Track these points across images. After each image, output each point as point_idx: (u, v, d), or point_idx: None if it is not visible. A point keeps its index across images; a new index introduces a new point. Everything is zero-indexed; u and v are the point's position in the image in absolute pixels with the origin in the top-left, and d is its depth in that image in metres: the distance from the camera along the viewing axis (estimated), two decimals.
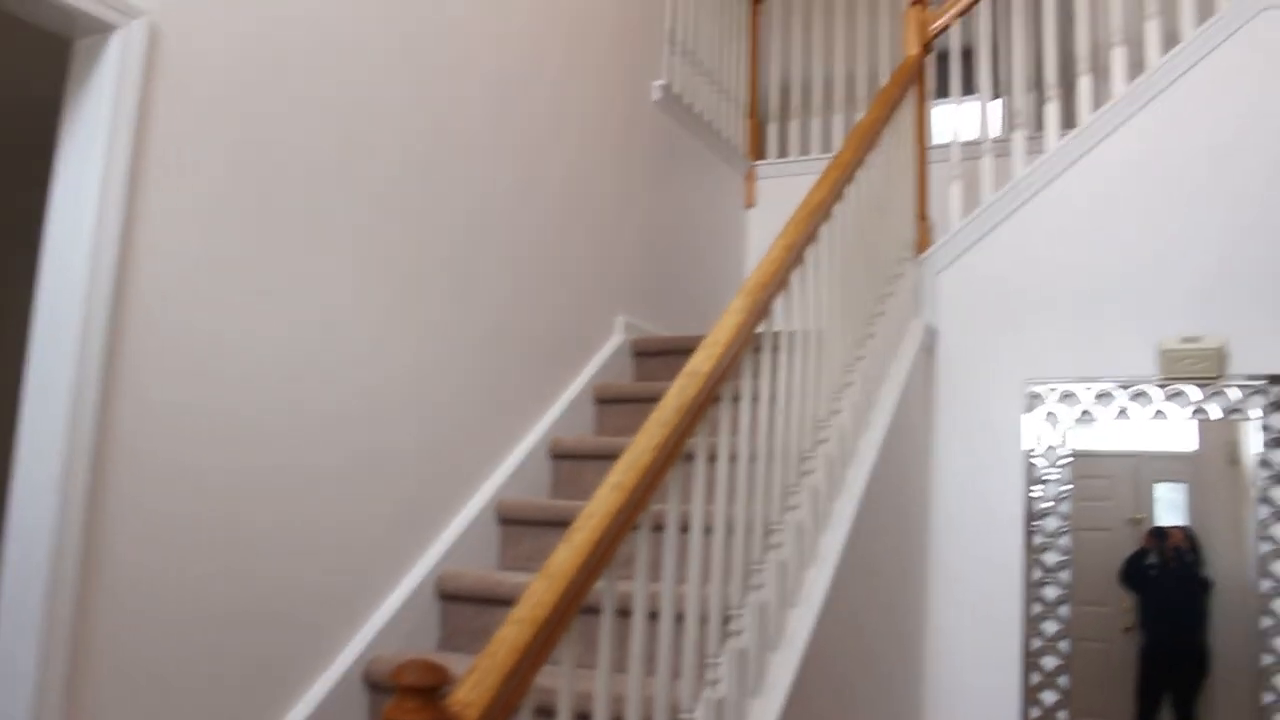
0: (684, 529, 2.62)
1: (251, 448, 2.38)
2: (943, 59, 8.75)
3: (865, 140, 2.99)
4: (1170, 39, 5.22)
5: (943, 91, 9.19)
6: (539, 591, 1.50)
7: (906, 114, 3.71)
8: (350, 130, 2.70)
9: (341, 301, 2.65)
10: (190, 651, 2.22)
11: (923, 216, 3.82)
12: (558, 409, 3.54)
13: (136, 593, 2.11)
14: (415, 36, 2.96)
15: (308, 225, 2.55)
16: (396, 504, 2.82)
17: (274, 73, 2.47)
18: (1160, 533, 3.39)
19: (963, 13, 3.86)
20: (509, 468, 3.27)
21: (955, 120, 3.92)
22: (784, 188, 5.06)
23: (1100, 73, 5.14)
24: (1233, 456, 3.34)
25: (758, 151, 5.29)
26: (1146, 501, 3.44)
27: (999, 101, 5.34)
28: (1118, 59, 3.67)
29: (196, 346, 2.25)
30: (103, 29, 2.08)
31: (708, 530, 2.44)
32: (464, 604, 2.89)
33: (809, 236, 2.52)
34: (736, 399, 2.52)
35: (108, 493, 2.05)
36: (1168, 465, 3.43)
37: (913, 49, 3.81)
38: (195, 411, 2.25)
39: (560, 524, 3.06)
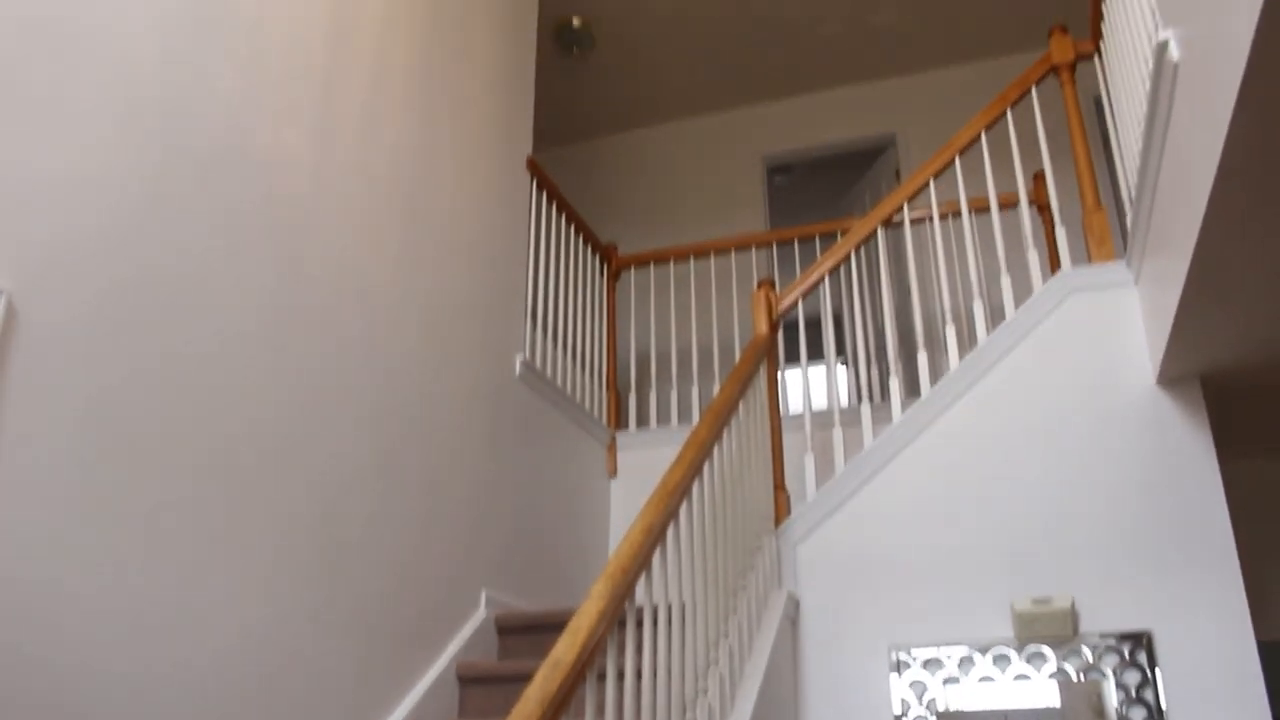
0: None
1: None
2: (791, 327, 9.24)
3: (720, 418, 3.10)
4: (997, 313, 5.65)
5: (792, 356, 9.67)
6: None
7: (760, 388, 3.88)
8: (204, 396, 2.68)
9: (186, 571, 2.55)
10: None
11: (780, 487, 3.93)
12: (420, 689, 3.41)
13: None
14: (273, 298, 3.00)
15: (155, 492, 2.49)
16: None
17: (129, 340, 2.46)
18: None
19: (807, 292, 4.11)
20: None
21: (806, 387, 4.11)
22: (645, 457, 5.16)
23: (936, 345, 5.49)
24: (1098, 709, 3.39)
25: (618, 421, 5.41)
26: None
27: (848, 368, 5.61)
28: (950, 336, 3.93)
29: (31, 611, 2.13)
30: None
31: None
32: None
33: (668, 516, 2.56)
34: (602, 677, 2.49)
35: None
36: None
37: (762, 327, 4.02)
38: (22, 685, 2.10)
39: None
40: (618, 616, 2.24)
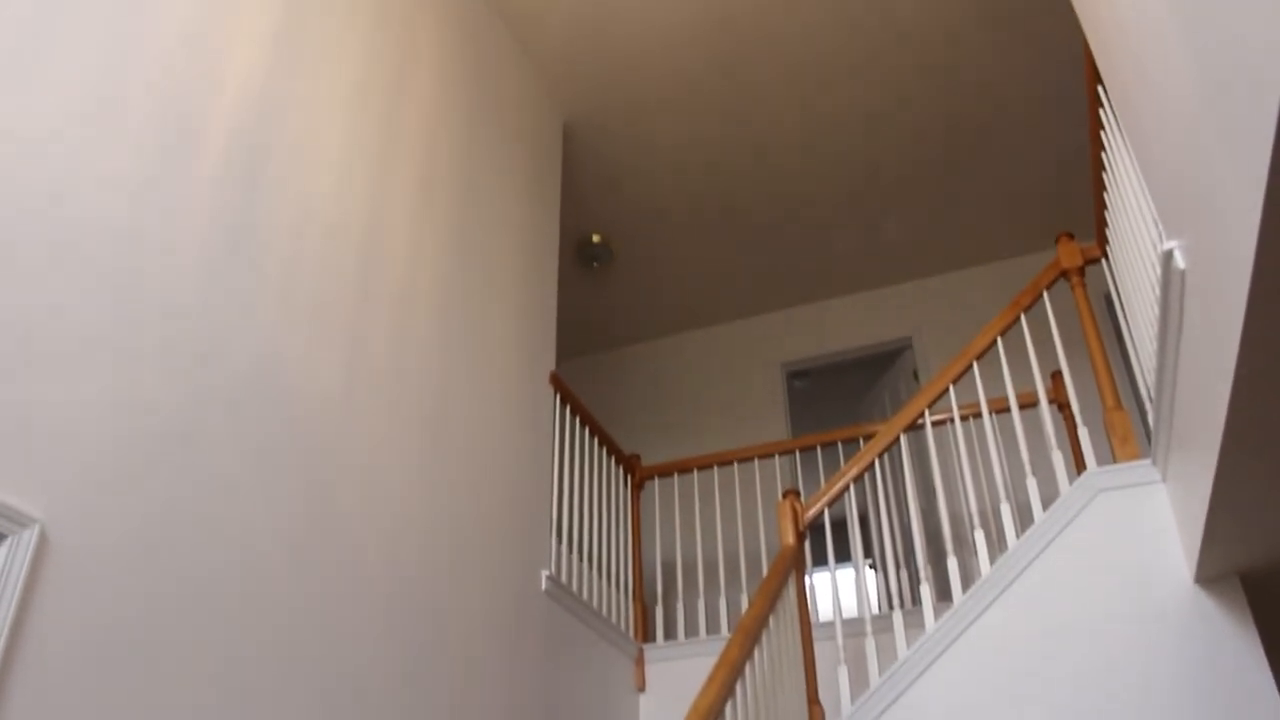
0: None
1: None
2: (817, 530, 9.14)
3: (751, 635, 3.05)
4: (1024, 512, 5.60)
5: (819, 558, 9.52)
6: None
7: (789, 600, 3.82)
8: (228, 616, 2.64)
9: None
10: None
11: (814, 701, 3.81)
12: None
13: None
14: (300, 519, 2.99)
15: (177, 708, 2.44)
16: None
17: (156, 564, 2.44)
18: None
19: (832, 502, 4.10)
20: None
21: (835, 595, 4.04)
22: (674, 670, 5.03)
23: (965, 547, 5.42)
24: None
25: (646, 634, 5.30)
26: None
27: (877, 572, 5.52)
28: (980, 540, 3.88)
29: None
30: None
31: None
32: None
33: None
34: None
35: None
36: None
37: (789, 538, 3.98)
38: None
39: None
40: None
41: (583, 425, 5.16)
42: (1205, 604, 3.50)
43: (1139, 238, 3.29)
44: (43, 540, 2.20)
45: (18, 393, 2.20)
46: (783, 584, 3.62)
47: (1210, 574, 3.49)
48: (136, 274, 2.56)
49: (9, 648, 2.07)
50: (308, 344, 3.20)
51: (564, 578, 4.57)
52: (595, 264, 6.71)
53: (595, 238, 6.54)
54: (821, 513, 4.14)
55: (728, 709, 2.79)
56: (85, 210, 2.45)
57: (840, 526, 9.68)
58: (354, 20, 3.80)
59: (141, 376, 2.53)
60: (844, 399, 8.21)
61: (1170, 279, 2.68)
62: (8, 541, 2.13)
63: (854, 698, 4.37)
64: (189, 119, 2.86)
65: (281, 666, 2.83)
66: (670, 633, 5.89)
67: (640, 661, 5.11)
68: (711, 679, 2.70)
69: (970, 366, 4.20)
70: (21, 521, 2.16)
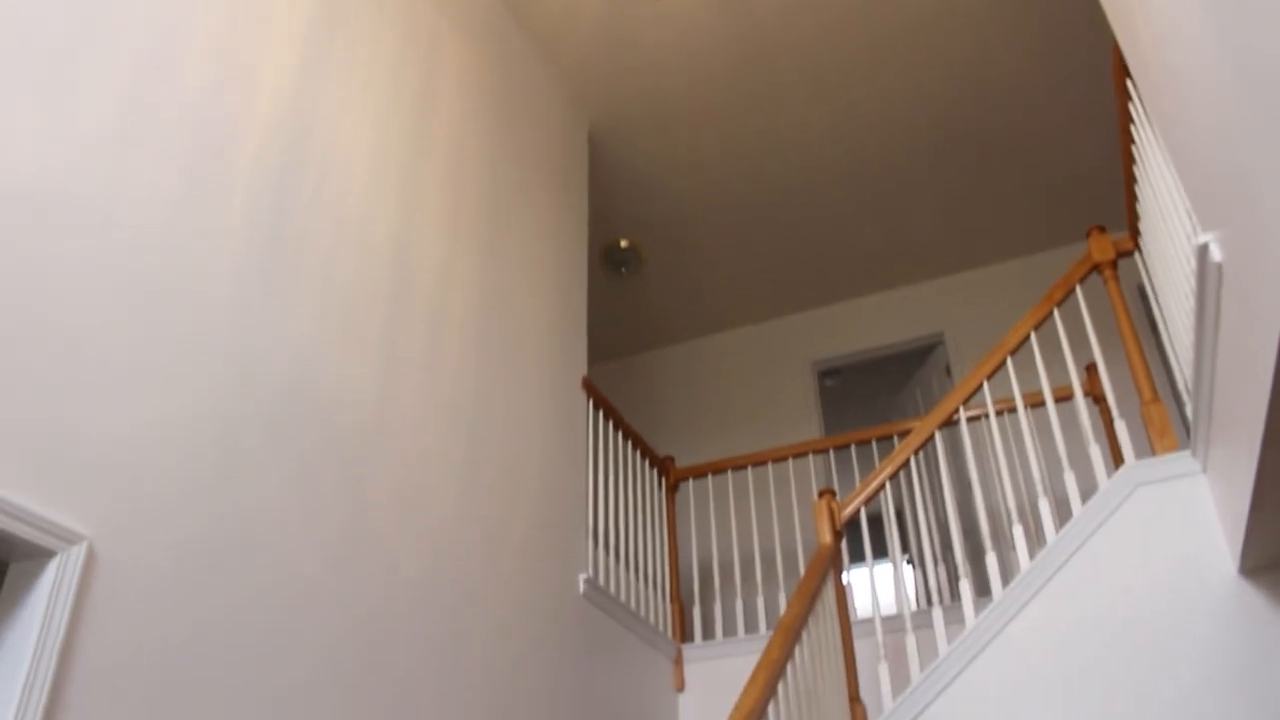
0: None
1: None
2: (853, 525, 9.13)
3: (791, 635, 3.06)
4: (1062, 506, 5.57)
5: (856, 555, 9.50)
6: None
7: (827, 598, 3.82)
8: (273, 633, 2.67)
9: None
10: None
11: (855, 699, 3.81)
12: None
13: None
14: (339, 532, 3.01)
15: None
16: None
17: (201, 583, 2.47)
18: None
19: (868, 500, 4.10)
20: None
21: (874, 593, 4.03)
22: (713, 669, 5.04)
23: (1003, 542, 5.39)
24: None
25: (684, 634, 5.32)
26: None
27: (915, 569, 5.51)
28: (1019, 534, 3.87)
29: None
30: (43, 555, 2.12)
31: None
32: None
33: None
34: None
35: None
36: None
37: (825, 537, 3.99)
38: None
39: None
40: None
41: (616, 429, 5.17)
42: (1250, 595, 3.48)
43: (1172, 230, 3.27)
44: (90, 557, 2.24)
45: (64, 411, 2.24)
46: (821, 583, 3.63)
47: (1255, 565, 3.46)
48: (174, 292, 2.60)
49: (61, 660, 2.11)
50: (342, 358, 3.23)
51: (601, 580, 4.59)
52: (623, 269, 6.73)
53: (623, 242, 6.56)
54: (858, 511, 4.14)
55: (770, 709, 2.80)
56: (124, 227, 2.48)
57: (876, 522, 9.65)
58: (381, 35, 3.84)
59: (182, 394, 2.57)
60: (876, 396, 8.19)
61: (1206, 272, 2.67)
62: (57, 558, 2.18)
63: (895, 694, 4.37)
64: (221, 135, 2.89)
65: (326, 683, 2.86)
66: (708, 633, 5.91)
67: (679, 662, 5.13)
68: (753, 680, 2.71)
69: (1004, 362, 4.19)
70: (70, 538, 2.20)
